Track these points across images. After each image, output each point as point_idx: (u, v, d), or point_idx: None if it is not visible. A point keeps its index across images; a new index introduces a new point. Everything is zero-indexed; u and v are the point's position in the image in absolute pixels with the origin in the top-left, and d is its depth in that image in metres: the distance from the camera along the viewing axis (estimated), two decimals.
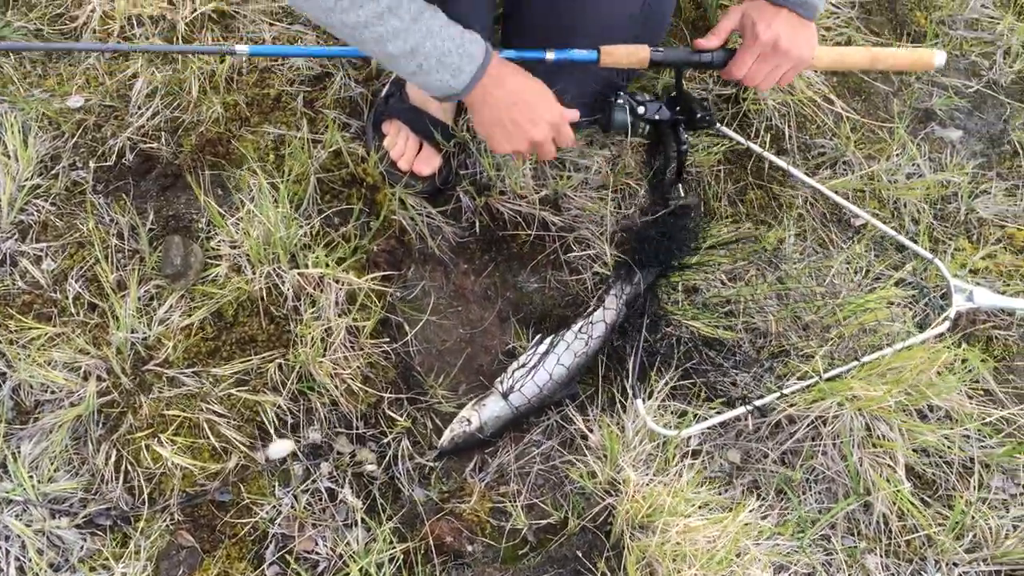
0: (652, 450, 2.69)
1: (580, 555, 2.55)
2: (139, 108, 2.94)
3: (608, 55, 2.33)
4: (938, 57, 2.46)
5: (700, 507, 2.57)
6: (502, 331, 2.91)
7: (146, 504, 2.36)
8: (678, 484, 2.50)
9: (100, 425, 2.45)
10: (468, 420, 2.75)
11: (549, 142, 2.47)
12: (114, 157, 2.70)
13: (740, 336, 2.89)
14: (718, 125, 3.02)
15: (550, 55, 2.32)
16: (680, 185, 2.83)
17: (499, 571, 2.61)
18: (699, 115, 2.52)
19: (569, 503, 2.68)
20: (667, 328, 2.85)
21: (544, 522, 2.66)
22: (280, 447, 2.66)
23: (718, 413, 2.80)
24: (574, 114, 2.48)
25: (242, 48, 2.51)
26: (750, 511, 2.51)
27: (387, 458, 2.73)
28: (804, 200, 3.10)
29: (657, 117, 2.74)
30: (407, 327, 2.91)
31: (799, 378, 2.57)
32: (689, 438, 2.81)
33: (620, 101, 2.56)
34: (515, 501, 2.71)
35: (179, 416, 2.39)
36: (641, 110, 2.58)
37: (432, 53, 1.97)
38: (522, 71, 2.26)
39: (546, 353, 2.77)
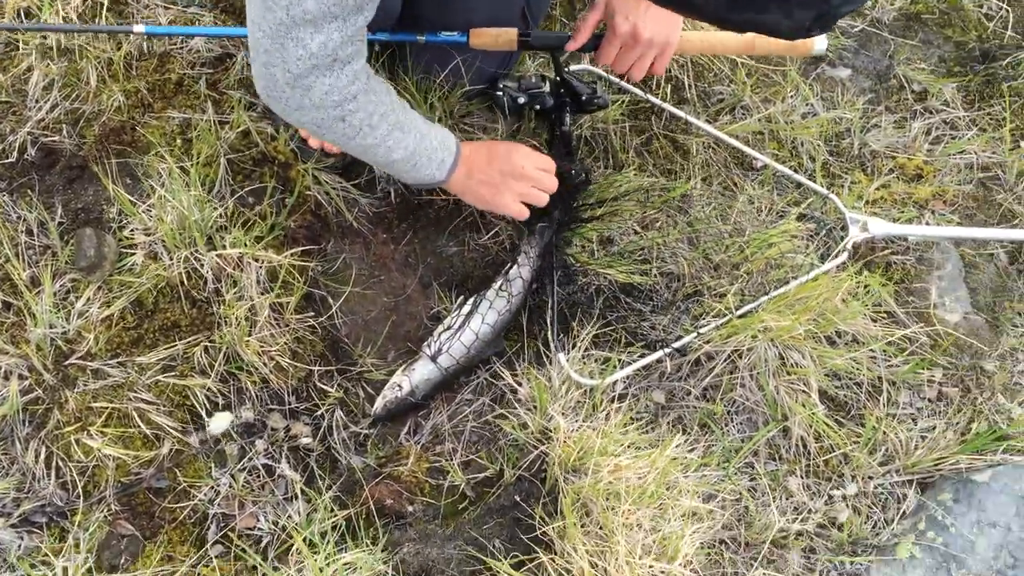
0: (580, 397, 2.79)
1: (518, 502, 2.64)
2: (37, 102, 2.89)
3: (476, 36, 2.41)
4: (818, 43, 2.55)
5: (628, 447, 2.69)
6: (426, 297, 2.98)
7: (81, 497, 2.36)
8: (606, 427, 2.60)
9: (26, 424, 2.44)
10: (399, 386, 2.81)
11: (539, 179, 2.65)
12: (15, 153, 2.67)
13: (655, 281, 3.00)
14: (620, 82, 3.11)
15: (421, 38, 2.40)
16: (571, 157, 2.93)
17: (440, 527, 2.69)
18: (585, 97, 2.63)
19: (504, 455, 2.77)
20: (583, 279, 2.94)
21: (481, 476, 2.74)
22: (221, 420, 2.70)
23: (640, 357, 2.91)
24: (549, 162, 2.66)
25: (139, 28, 2.50)
26: (676, 446, 2.64)
27: (322, 430, 2.72)
28: (706, 146, 3.22)
29: (538, 106, 2.78)
30: (331, 300, 2.95)
31: (713, 316, 2.68)
32: (615, 383, 2.92)
33: (499, 93, 2.66)
34: (451, 459, 2.78)
35: (107, 407, 2.40)
36: (521, 100, 2.67)
37: (424, 152, 2.34)
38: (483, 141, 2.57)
39: (470, 314, 2.84)
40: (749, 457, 2.81)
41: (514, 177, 2.49)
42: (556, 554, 2.45)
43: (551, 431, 2.69)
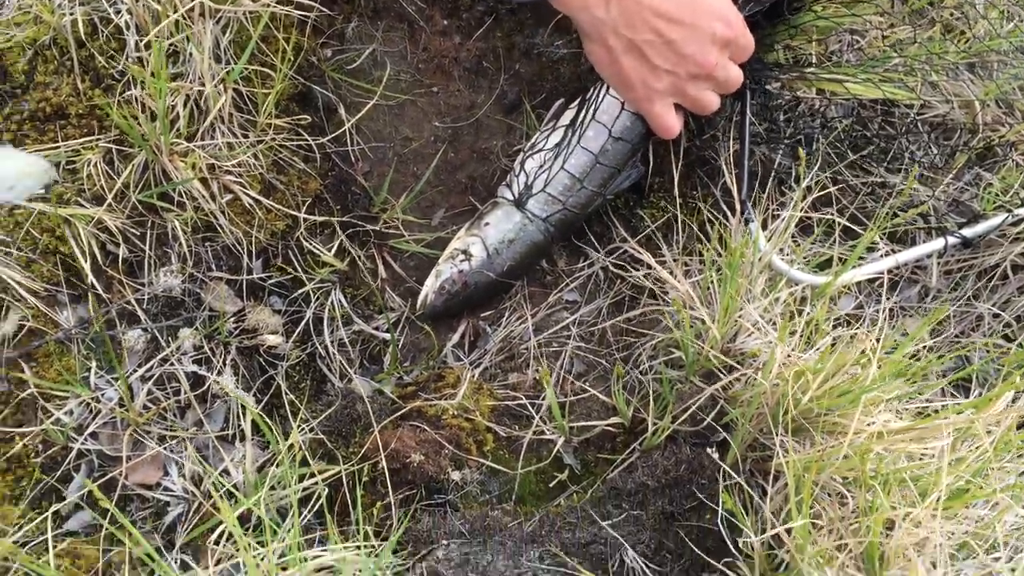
0: (771, 308, 1.51)
1: (675, 480, 1.35)
2: None
3: None
4: None
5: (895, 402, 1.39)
6: (506, 128, 1.76)
7: None
8: (860, 357, 1.31)
9: None
10: (464, 254, 1.56)
11: (724, 66, 1.48)
12: None
13: (913, 118, 1.72)
14: None
15: None
16: None
17: (510, 515, 1.40)
18: None
19: (640, 396, 1.48)
20: (788, 96, 1.68)
21: (595, 429, 1.46)
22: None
23: (887, 254, 1.62)
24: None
25: None
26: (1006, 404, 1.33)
27: (303, 324, 1.53)
28: None
29: None
30: (343, 112, 1.71)
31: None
32: (836, 295, 1.64)
33: None
34: (538, 395, 1.51)
35: None
36: None
37: None
38: None
39: (579, 123, 1.59)
40: None
41: (693, 34, 1.42)
42: None
43: (743, 356, 1.40)
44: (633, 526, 1.33)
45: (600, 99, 1.61)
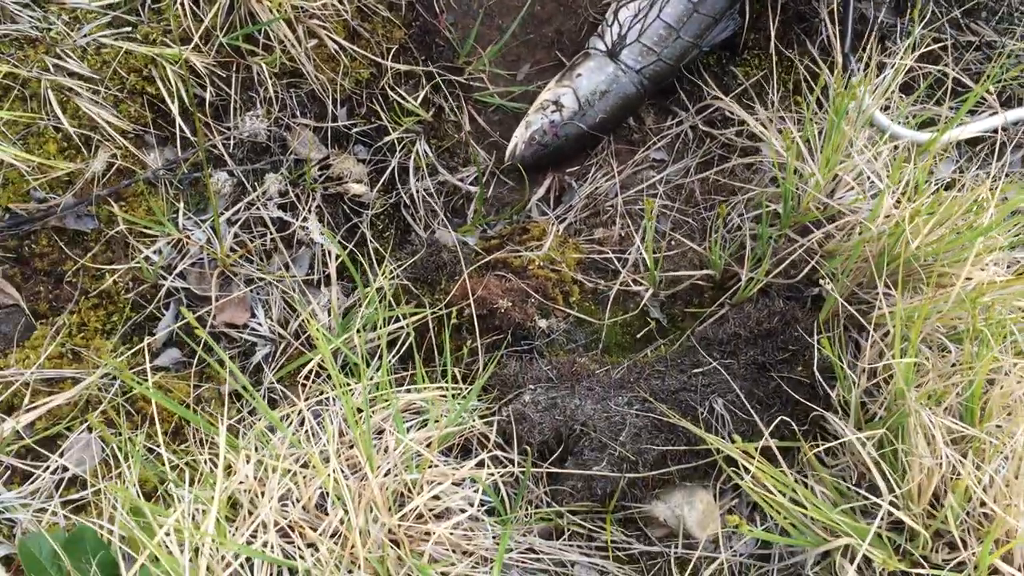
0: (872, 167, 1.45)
1: (769, 332, 1.33)
2: None
3: None
4: None
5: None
6: None
7: None
8: (973, 205, 1.25)
9: None
10: (556, 104, 1.51)
11: None
12: None
13: None
14: None
15: None
16: None
17: (597, 362, 1.39)
18: None
19: (733, 249, 1.45)
20: None
21: (683, 284, 1.43)
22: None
23: (992, 114, 1.54)
24: None
25: None
26: None
27: (387, 173, 1.51)
28: None
29: None
30: None
31: None
32: (937, 157, 1.57)
33: None
34: (625, 248, 1.48)
35: (5, 76, 1.21)
36: None
37: None
38: None
39: None
40: None
41: None
42: (855, 443, 1.14)
43: (842, 208, 1.36)
44: (724, 374, 1.32)
45: None
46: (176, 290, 1.49)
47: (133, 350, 1.45)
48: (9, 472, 1.31)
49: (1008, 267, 1.39)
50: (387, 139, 1.61)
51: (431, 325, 1.44)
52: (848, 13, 1.58)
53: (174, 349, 1.49)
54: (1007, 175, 1.64)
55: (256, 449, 1.24)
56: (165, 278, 1.48)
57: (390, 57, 1.63)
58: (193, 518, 1.13)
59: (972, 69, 1.69)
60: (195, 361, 1.45)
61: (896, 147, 1.49)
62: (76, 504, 1.31)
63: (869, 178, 1.43)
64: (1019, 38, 1.66)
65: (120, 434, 1.33)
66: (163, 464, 1.18)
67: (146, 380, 1.34)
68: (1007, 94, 1.69)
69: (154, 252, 1.49)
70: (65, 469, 1.32)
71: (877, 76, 1.55)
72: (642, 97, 1.59)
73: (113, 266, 1.48)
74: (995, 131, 1.59)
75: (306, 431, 1.28)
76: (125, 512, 1.11)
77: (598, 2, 1.73)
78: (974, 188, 1.28)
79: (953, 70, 1.61)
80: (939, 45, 1.67)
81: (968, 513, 1.11)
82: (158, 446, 1.27)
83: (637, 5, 1.56)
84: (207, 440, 1.31)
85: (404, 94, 1.63)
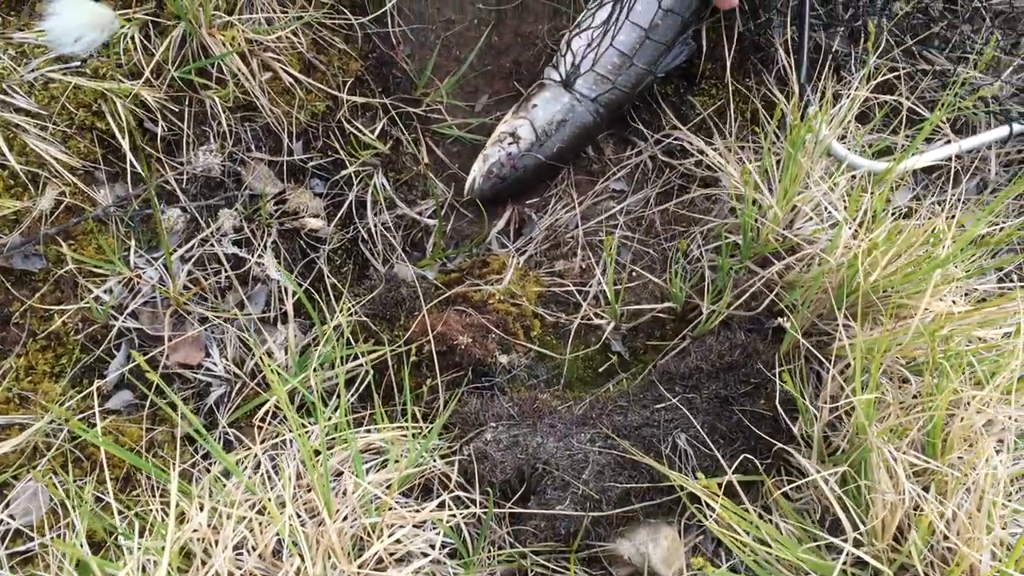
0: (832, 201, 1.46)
1: (729, 365, 1.32)
2: None
3: None
4: None
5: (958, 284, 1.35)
6: (551, 12, 1.69)
7: None
8: (931, 236, 1.27)
9: None
10: (513, 136, 1.51)
11: None
12: None
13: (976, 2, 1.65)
14: None
15: None
16: None
17: (560, 399, 1.38)
18: None
19: (693, 280, 1.45)
20: None
21: (644, 315, 1.43)
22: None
23: (947, 143, 1.56)
24: None
25: None
26: None
27: (345, 206, 1.49)
28: None
29: None
30: None
31: None
32: (894, 185, 1.59)
33: None
34: (585, 280, 1.48)
35: None
36: None
37: None
38: None
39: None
40: None
41: None
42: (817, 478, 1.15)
43: (803, 239, 1.36)
44: (686, 409, 1.31)
45: None
46: (128, 330, 1.46)
47: (83, 393, 1.41)
48: None
49: (966, 295, 1.40)
50: (344, 172, 1.59)
51: (390, 363, 1.42)
52: (803, 43, 1.59)
53: (126, 391, 1.46)
54: (963, 202, 1.66)
55: (210, 495, 1.21)
56: (116, 318, 1.44)
57: (346, 89, 1.62)
58: (144, 570, 1.09)
59: (927, 97, 1.71)
60: (147, 403, 1.41)
61: (854, 176, 1.50)
62: (23, 556, 1.27)
63: (827, 208, 1.43)
64: (972, 66, 1.69)
65: (70, 483, 1.29)
66: (112, 515, 1.15)
67: (96, 425, 1.30)
68: (961, 121, 1.71)
69: (104, 292, 1.45)
70: (13, 517, 1.28)
71: (833, 106, 1.57)
72: (599, 126, 1.59)
73: (62, 307, 1.44)
74: (950, 159, 1.61)
75: (262, 475, 1.25)
76: (72, 568, 1.08)
77: (555, 32, 1.73)
78: (930, 219, 1.29)
79: (908, 99, 1.62)
80: (894, 74, 1.69)
81: (931, 548, 1.11)
82: (107, 494, 1.23)
83: (590, 34, 1.56)
84: (159, 487, 1.27)
85: (361, 127, 1.62)
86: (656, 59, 1.57)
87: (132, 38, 1.49)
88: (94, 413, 1.34)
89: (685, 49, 1.60)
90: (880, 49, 1.66)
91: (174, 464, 1.14)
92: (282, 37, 1.55)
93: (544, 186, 1.67)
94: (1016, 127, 1.58)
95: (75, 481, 1.31)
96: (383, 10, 1.66)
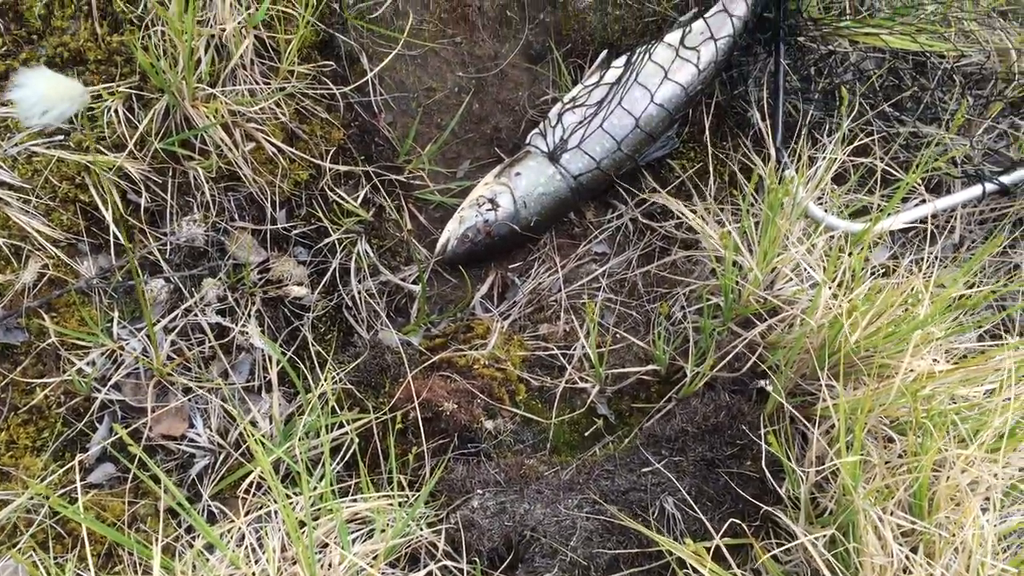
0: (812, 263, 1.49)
1: (715, 427, 1.33)
2: None
3: None
4: None
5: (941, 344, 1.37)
6: (532, 77, 1.73)
7: None
8: (910, 296, 1.29)
9: None
10: (491, 202, 1.53)
11: None
12: None
13: (950, 67, 1.70)
14: None
15: None
16: None
17: (546, 464, 1.38)
18: None
19: (677, 343, 1.46)
20: (823, 50, 1.66)
21: (630, 378, 1.43)
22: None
23: (922, 202, 1.60)
24: None
25: None
26: None
27: (328, 274, 1.50)
28: None
29: None
30: (366, 61, 1.67)
31: None
32: (871, 244, 1.62)
33: None
34: (571, 344, 1.49)
35: None
36: None
37: None
38: None
39: (620, 80, 1.57)
40: None
41: None
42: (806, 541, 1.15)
43: (784, 301, 1.38)
44: (672, 473, 1.31)
45: (644, 62, 1.60)
46: (110, 402, 1.45)
47: (65, 467, 1.41)
48: None
49: (947, 352, 1.42)
50: (327, 240, 1.61)
51: (376, 430, 1.42)
52: (778, 108, 1.63)
53: (108, 464, 1.45)
54: (940, 260, 1.69)
55: (193, 570, 1.19)
56: (99, 390, 1.44)
57: (329, 158, 1.64)
58: None
59: (900, 158, 1.75)
60: (130, 476, 1.40)
61: (831, 237, 1.53)
62: None
63: (806, 269, 1.46)
64: (944, 127, 1.73)
65: (50, 562, 1.27)
66: None
67: (77, 500, 1.29)
68: (935, 180, 1.75)
69: (87, 364, 1.45)
70: None
71: (809, 169, 1.60)
72: (575, 203, 1.63)
73: (44, 380, 1.44)
74: (926, 219, 1.64)
75: (246, 548, 1.24)
76: None
77: (535, 100, 1.76)
78: (908, 278, 1.31)
79: (882, 161, 1.66)
80: (868, 138, 1.73)
81: None
82: (88, 571, 1.22)
83: (583, 112, 1.60)
84: (142, 563, 1.26)
85: (344, 194, 1.63)
86: (640, 147, 1.62)
87: (116, 111, 1.51)
88: (76, 488, 1.33)
89: (669, 143, 1.64)
90: (854, 112, 1.70)
91: (157, 539, 1.13)
92: (265, 108, 1.57)
93: (521, 251, 1.68)
94: (988, 186, 1.62)
95: (55, 559, 1.29)
96: (364, 79, 1.69)
